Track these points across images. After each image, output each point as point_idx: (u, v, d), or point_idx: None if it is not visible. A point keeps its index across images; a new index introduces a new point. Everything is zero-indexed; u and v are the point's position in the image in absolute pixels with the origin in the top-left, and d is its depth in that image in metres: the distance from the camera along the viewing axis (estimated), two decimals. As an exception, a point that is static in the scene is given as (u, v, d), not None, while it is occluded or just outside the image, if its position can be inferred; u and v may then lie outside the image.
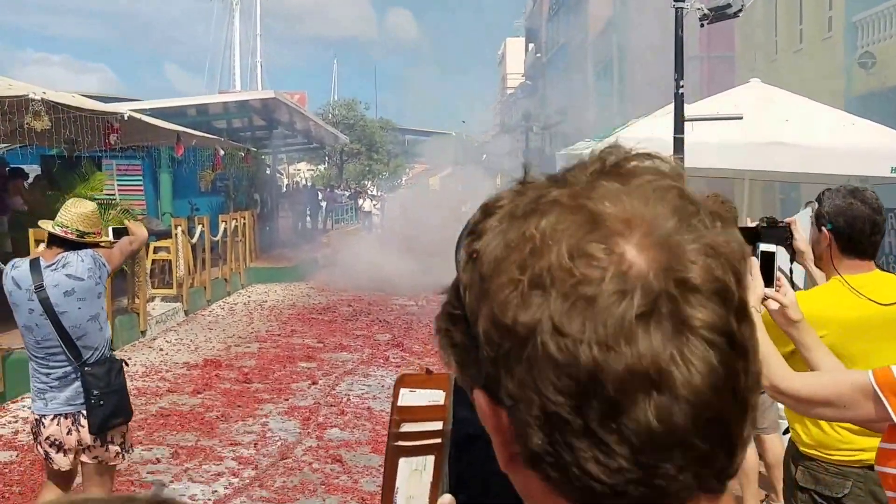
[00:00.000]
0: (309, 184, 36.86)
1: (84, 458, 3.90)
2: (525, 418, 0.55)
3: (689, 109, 7.27)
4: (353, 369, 9.39)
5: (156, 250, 12.40)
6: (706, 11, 5.85)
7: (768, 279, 2.13)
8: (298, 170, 51.16)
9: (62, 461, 3.86)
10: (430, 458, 0.93)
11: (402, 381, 0.95)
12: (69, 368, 3.85)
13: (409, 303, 15.27)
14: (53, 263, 3.84)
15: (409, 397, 0.95)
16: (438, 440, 0.91)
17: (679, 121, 6.18)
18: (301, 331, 11.84)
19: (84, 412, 3.82)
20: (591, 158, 0.61)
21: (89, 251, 3.92)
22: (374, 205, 42.44)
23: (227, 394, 8.03)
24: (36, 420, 3.90)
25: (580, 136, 30.95)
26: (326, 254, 19.88)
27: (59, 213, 3.94)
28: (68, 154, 10.64)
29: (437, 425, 0.91)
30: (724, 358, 0.54)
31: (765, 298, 2.13)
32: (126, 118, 8.88)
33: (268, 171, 24.37)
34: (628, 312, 0.52)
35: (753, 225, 2.91)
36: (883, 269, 2.89)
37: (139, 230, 4.40)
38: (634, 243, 0.54)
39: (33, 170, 13.97)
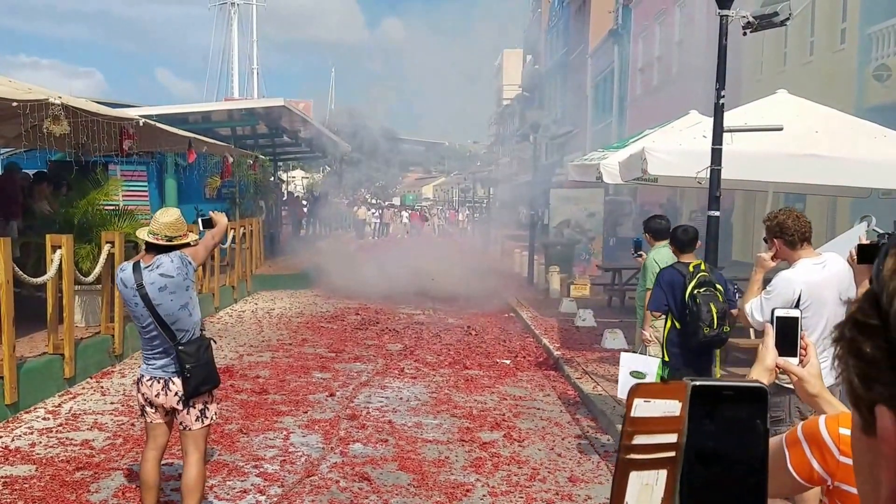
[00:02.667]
0: (307, 191, 36.69)
1: (176, 421, 4.69)
2: None
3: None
4: (369, 381, 9.21)
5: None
6: (751, 20, 5.71)
7: (790, 347, 1.89)
8: (293, 177, 51.02)
9: (153, 416, 4.69)
10: (663, 473, 0.88)
11: (636, 392, 0.88)
12: (167, 346, 4.62)
13: (416, 311, 15.11)
14: (150, 265, 4.57)
15: (643, 408, 0.89)
16: (672, 454, 0.86)
17: (718, 131, 6.03)
18: (312, 340, 11.65)
19: (173, 379, 4.59)
20: None
21: (178, 252, 4.61)
22: (371, 213, 42.37)
23: (244, 405, 7.82)
24: (138, 378, 4.74)
25: (579, 146, 30.89)
26: (330, 261, 19.70)
27: (150, 224, 4.67)
28: (75, 159, 10.46)
29: (672, 438, 0.86)
30: None
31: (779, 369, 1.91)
32: (141, 124, 8.72)
33: (273, 179, 24.19)
34: None
35: (873, 241, 2.76)
36: None
37: (220, 219, 5.04)
38: None
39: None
